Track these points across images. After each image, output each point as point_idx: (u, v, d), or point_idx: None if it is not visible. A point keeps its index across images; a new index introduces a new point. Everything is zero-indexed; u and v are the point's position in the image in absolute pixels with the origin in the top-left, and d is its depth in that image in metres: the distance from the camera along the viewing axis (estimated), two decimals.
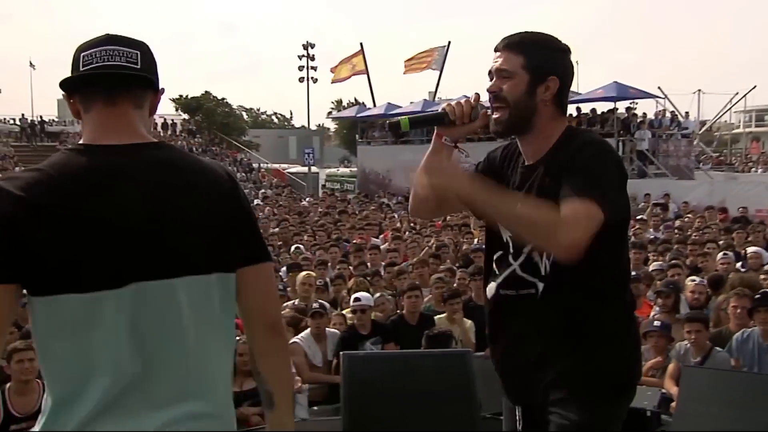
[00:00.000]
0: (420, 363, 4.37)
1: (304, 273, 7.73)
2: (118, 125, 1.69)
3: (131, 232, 1.56)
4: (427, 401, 4.14)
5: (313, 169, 34.88)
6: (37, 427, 1.61)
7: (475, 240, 11.38)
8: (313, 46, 47.05)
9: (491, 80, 2.33)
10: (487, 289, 2.43)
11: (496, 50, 2.32)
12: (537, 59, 2.26)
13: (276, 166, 39.35)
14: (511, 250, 2.33)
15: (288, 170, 38.58)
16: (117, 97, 1.70)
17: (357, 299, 6.41)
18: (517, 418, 2.45)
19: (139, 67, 1.70)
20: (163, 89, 1.81)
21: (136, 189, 1.60)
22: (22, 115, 41.61)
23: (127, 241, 1.56)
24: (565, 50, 2.33)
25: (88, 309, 1.54)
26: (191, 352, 1.62)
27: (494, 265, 2.41)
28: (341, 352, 4.35)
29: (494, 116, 2.33)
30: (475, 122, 2.40)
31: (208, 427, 1.63)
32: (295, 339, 6.19)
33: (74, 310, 1.54)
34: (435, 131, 2.43)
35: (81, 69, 1.69)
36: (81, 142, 1.74)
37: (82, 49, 1.71)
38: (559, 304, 2.23)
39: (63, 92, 1.77)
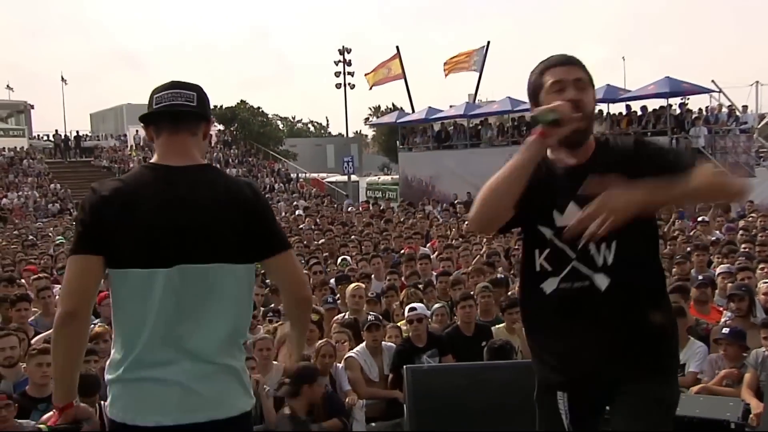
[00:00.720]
0: (486, 376, 4.37)
1: (353, 285, 7.76)
2: (178, 149, 2.44)
3: (177, 229, 2.31)
4: (494, 414, 4.14)
5: (353, 177, 35.09)
6: (109, 359, 2.39)
7: None
8: (349, 50, 47.41)
9: (561, 91, 2.44)
10: (543, 286, 2.56)
11: (561, 64, 2.49)
12: (589, 74, 2.51)
13: (314, 175, 39.68)
14: (562, 246, 2.51)
15: (327, 179, 38.88)
16: (178, 128, 2.45)
17: (413, 309, 6.41)
18: (563, 411, 2.58)
19: (195, 104, 2.45)
20: (213, 119, 2.48)
21: (183, 200, 2.34)
22: (56, 131, 42.66)
23: (174, 236, 2.30)
24: None
25: (146, 281, 2.30)
26: (213, 319, 2.34)
27: (545, 263, 2.57)
28: (404, 366, 4.37)
29: (576, 126, 2.43)
30: (565, 127, 2.43)
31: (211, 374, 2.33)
32: (350, 353, 6.22)
33: (137, 281, 2.30)
34: (539, 132, 2.42)
35: (154, 107, 2.45)
36: (152, 160, 2.49)
37: (155, 91, 2.46)
38: (626, 294, 2.47)
39: (142, 123, 2.50)
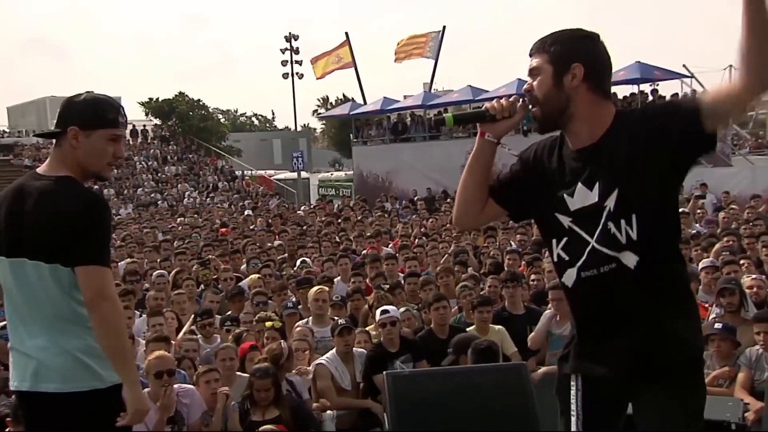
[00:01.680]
0: (472, 379, 4.39)
1: (316, 288, 7.72)
2: (48, 160, 3.24)
3: (7, 228, 3.12)
4: (483, 420, 4.16)
5: (303, 174, 34.94)
6: None
7: (480, 243, 11.41)
8: (296, 37, 47.29)
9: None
10: (564, 279, 2.66)
11: (529, 56, 2.69)
12: (557, 51, 2.61)
13: (261, 172, 39.38)
14: (578, 230, 2.59)
15: (275, 177, 38.63)
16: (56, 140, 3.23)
17: (385, 311, 6.40)
18: (575, 411, 2.66)
19: (55, 121, 3.21)
20: (72, 129, 3.10)
21: (13, 205, 3.13)
22: None
23: (5, 233, 3.12)
24: (589, 37, 2.65)
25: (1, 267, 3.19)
26: (32, 307, 3.09)
27: (562, 253, 2.65)
28: (384, 372, 4.36)
29: (532, 114, 2.70)
30: (514, 117, 2.78)
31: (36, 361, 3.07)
32: (320, 360, 6.19)
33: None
34: (478, 130, 2.82)
35: None
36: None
37: None
38: (655, 273, 2.53)
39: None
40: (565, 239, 2.65)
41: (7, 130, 45.44)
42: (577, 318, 2.74)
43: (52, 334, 3.07)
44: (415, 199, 23.64)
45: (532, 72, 2.66)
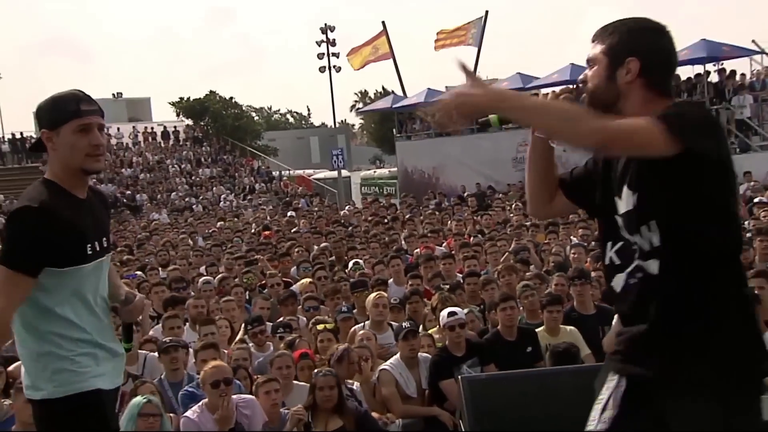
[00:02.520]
0: (550, 383, 4.37)
1: (376, 293, 7.75)
2: None
3: None
4: (561, 425, 4.12)
5: (344, 172, 35.09)
6: None
7: (543, 240, 11.34)
8: (333, 29, 47.45)
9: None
10: (613, 283, 2.65)
11: (591, 42, 2.68)
12: (614, 42, 2.58)
13: (299, 172, 39.68)
14: (629, 237, 2.57)
15: (314, 176, 38.86)
16: None
17: (452, 313, 6.40)
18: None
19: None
20: (43, 132, 3.23)
21: None
22: None
23: None
24: (654, 29, 2.59)
25: None
26: None
27: (615, 257, 2.65)
28: (459, 377, 4.38)
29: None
30: None
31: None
32: (384, 366, 6.25)
33: None
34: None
35: None
36: None
37: None
38: (679, 281, 2.47)
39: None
40: (620, 243, 2.65)
41: (35, 136, 45.86)
42: (623, 323, 2.71)
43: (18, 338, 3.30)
44: (465, 195, 23.59)
45: (589, 61, 2.65)
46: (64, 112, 3.20)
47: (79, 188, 3.30)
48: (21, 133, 41.29)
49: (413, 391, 6.22)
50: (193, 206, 30.83)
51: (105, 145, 3.33)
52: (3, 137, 42.85)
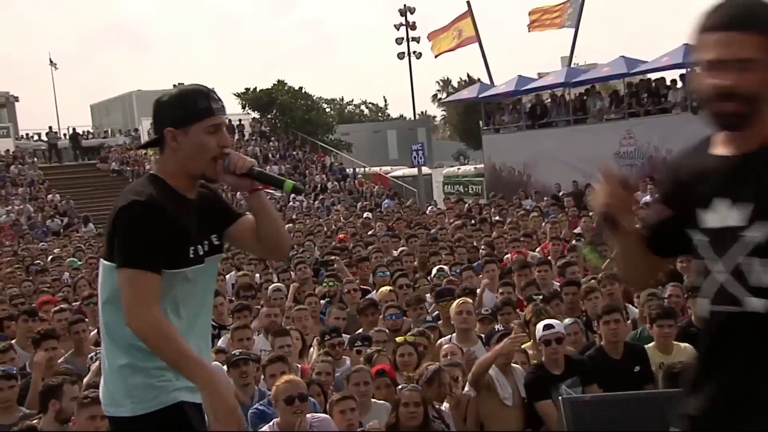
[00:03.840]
0: (664, 407, 4.29)
1: (459, 300, 7.76)
2: None
3: None
4: None
5: (424, 169, 35.15)
6: None
7: None
8: (412, 10, 47.51)
9: (717, 75, 2.35)
10: (698, 306, 2.64)
11: (720, 29, 2.34)
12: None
13: (376, 169, 39.89)
14: (709, 255, 2.45)
15: (391, 174, 39.02)
16: None
17: (549, 326, 6.35)
18: None
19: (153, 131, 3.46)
20: (168, 130, 3.23)
21: None
22: (49, 128, 42.40)
23: None
24: None
25: None
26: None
27: (700, 278, 2.53)
28: (560, 397, 4.33)
29: (718, 110, 2.39)
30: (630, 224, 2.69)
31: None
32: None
33: None
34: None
35: None
36: None
37: None
38: None
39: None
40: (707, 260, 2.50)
41: (92, 131, 46.90)
42: (699, 359, 2.61)
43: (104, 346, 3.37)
44: (560, 194, 23.35)
45: (740, 63, 2.31)
46: (196, 109, 3.21)
47: (190, 190, 3.33)
48: (74, 129, 42.58)
49: (509, 398, 6.22)
50: None
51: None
52: (60, 132, 43.88)
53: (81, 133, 43.12)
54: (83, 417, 5.18)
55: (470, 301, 7.89)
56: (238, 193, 3.18)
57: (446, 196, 30.11)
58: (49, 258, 18.51)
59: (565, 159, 26.55)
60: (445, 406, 6.05)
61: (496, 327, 6.63)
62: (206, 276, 3.35)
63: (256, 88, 46.21)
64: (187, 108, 3.22)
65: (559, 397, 4.36)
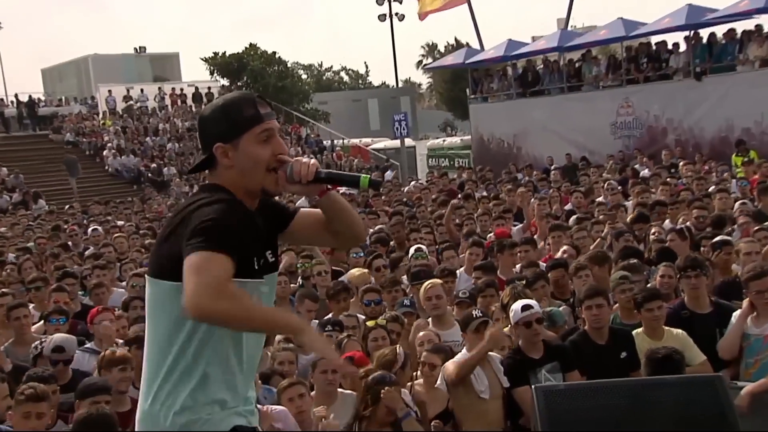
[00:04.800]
0: (648, 396, 4.29)
1: (427, 284, 7.82)
2: None
3: None
4: None
5: (408, 141, 35.11)
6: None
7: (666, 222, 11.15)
8: None
9: None
10: None
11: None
12: None
13: (355, 141, 39.82)
14: None
15: (372, 146, 38.96)
16: None
17: (527, 307, 6.39)
18: None
19: (201, 148, 3.36)
20: (218, 146, 3.15)
21: None
22: None
23: None
24: None
25: None
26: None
27: None
28: (533, 386, 4.34)
29: None
30: None
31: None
32: (452, 362, 6.30)
33: None
34: None
35: None
36: None
37: None
38: None
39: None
40: None
41: (43, 99, 45.45)
42: None
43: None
44: (551, 168, 23.37)
45: None
46: (242, 118, 3.12)
47: (251, 202, 3.23)
48: (29, 96, 41.89)
49: (485, 391, 6.22)
50: None
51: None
52: (7, 99, 43.26)
53: (33, 100, 42.09)
54: (19, 414, 5.17)
55: (439, 282, 7.94)
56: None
57: (430, 170, 30.09)
58: None
59: (558, 130, 26.63)
60: (407, 394, 6.05)
61: (474, 312, 6.58)
62: (269, 292, 3.28)
63: (225, 52, 46.24)
64: (232, 119, 3.13)
65: (532, 387, 4.35)
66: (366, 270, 9.41)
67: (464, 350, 6.45)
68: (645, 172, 19.02)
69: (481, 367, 6.30)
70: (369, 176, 3.24)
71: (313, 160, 3.19)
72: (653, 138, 24.76)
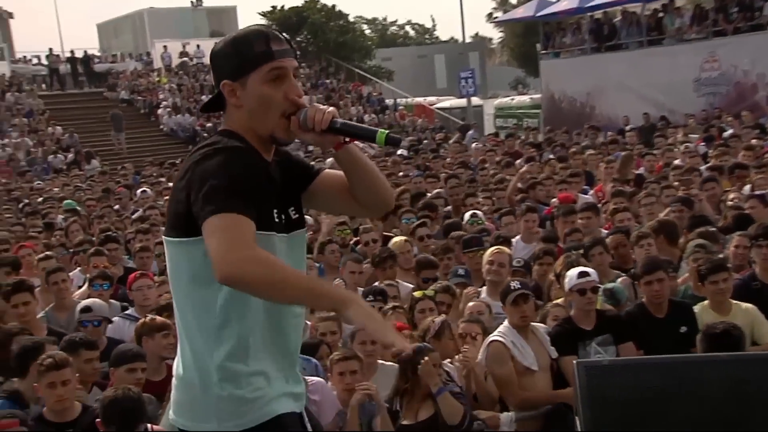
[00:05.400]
0: (703, 374, 4.23)
1: (493, 249, 7.80)
2: None
3: None
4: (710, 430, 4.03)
5: (475, 100, 34.86)
6: None
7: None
8: None
9: None
10: None
11: None
12: None
13: (420, 100, 39.66)
14: None
15: (437, 105, 38.79)
16: None
17: (584, 274, 6.34)
18: None
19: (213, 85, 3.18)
20: (225, 83, 3.05)
21: None
22: (50, 50, 41.01)
23: None
24: None
25: None
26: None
27: None
28: (575, 361, 4.31)
29: None
30: None
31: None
32: (493, 336, 6.28)
33: None
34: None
35: None
36: None
37: None
38: None
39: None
40: None
41: (98, 54, 45.35)
42: None
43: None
44: (626, 128, 23.02)
45: None
46: (252, 54, 3.00)
47: (266, 151, 3.12)
48: (85, 52, 42.10)
49: (532, 362, 6.20)
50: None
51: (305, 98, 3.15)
52: (63, 54, 43.53)
53: (89, 56, 41.49)
54: (44, 385, 5.28)
55: (507, 250, 7.91)
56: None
57: (497, 130, 29.87)
58: (40, 198, 18.58)
59: (636, 87, 26.19)
60: (450, 367, 6.06)
61: (512, 284, 6.48)
62: (295, 251, 3.15)
63: (283, 6, 46.05)
64: (242, 54, 3.01)
65: (573, 361, 4.32)
66: (404, 238, 9.28)
67: (506, 322, 6.41)
68: (729, 133, 18.58)
69: (524, 338, 6.28)
70: (386, 131, 3.04)
71: (330, 108, 3.05)
72: (741, 95, 24.21)
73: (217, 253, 2.69)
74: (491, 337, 6.31)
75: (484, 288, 7.72)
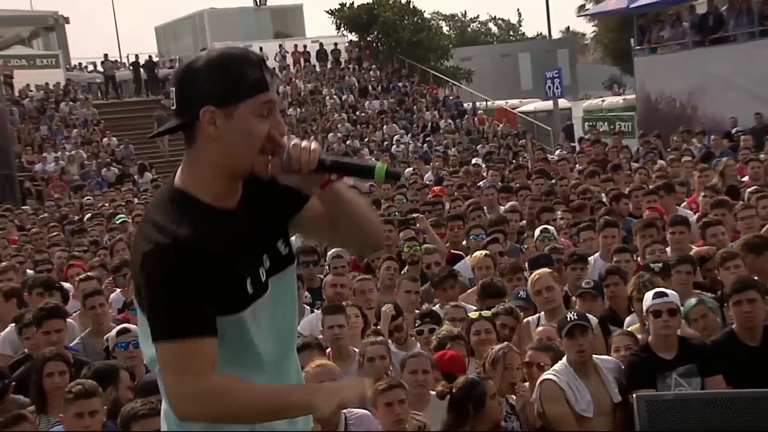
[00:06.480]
0: None
1: (535, 274, 7.72)
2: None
3: None
4: None
5: (563, 102, 34.64)
6: None
7: None
8: None
9: None
10: None
11: None
12: None
13: (501, 103, 39.57)
14: None
15: (520, 109, 38.65)
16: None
17: (661, 294, 6.24)
18: None
19: (174, 108, 2.98)
20: (207, 109, 2.84)
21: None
22: (105, 56, 41.63)
23: None
24: None
25: None
26: None
27: None
28: (635, 393, 4.23)
29: None
30: None
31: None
32: (547, 375, 6.20)
33: None
34: None
35: None
36: None
37: None
38: None
39: None
40: None
41: (156, 59, 45.14)
42: None
43: None
44: (733, 131, 22.57)
45: None
46: (245, 81, 2.88)
47: (230, 196, 3.01)
48: (150, 57, 42.52)
49: (586, 407, 6.04)
50: (358, 150, 31.42)
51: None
52: (121, 60, 43.98)
53: (154, 61, 42.10)
54: (71, 414, 5.40)
55: (547, 272, 7.80)
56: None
57: (586, 134, 29.59)
58: (87, 215, 18.83)
59: (745, 85, 25.62)
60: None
61: (569, 315, 6.34)
62: (281, 297, 3.13)
63: (353, 3, 46.32)
64: (233, 80, 2.86)
65: (633, 396, 4.24)
66: (485, 252, 9.24)
67: (564, 359, 6.28)
68: None
69: (583, 378, 6.15)
70: (386, 165, 2.93)
71: (315, 144, 2.92)
72: None
73: (172, 389, 2.83)
74: (545, 375, 6.20)
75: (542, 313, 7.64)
